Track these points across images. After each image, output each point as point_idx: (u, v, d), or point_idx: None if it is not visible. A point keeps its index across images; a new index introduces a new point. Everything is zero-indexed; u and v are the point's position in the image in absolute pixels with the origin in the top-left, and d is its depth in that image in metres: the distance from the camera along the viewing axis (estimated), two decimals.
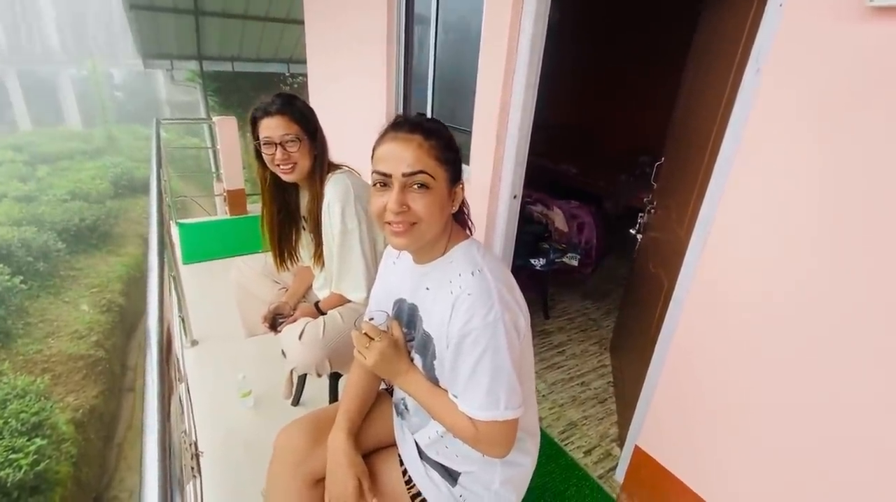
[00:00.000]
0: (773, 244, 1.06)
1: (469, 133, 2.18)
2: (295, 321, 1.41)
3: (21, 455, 4.53)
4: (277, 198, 1.42)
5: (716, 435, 1.25)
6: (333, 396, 1.55)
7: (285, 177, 1.32)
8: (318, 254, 1.41)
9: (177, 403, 0.89)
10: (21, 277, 7.32)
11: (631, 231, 1.99)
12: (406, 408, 0.95)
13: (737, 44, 1.26)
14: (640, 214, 1.97)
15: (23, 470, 4.42)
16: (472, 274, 0.75)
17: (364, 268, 1.33)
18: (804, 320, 1.02)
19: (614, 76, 4.34)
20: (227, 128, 3.99)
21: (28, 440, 4.66)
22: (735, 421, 1.20)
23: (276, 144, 1.25)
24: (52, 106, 23.83)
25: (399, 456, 0.98)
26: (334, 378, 1.51)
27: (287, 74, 8.91)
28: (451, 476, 0.91)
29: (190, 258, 3.07)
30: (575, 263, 2.68)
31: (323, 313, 1.44)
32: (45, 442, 4.70)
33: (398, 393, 0.99)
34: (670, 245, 1.55)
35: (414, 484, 0.93)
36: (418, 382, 0.84)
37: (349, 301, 1.41)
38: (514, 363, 0.74)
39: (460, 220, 0.87)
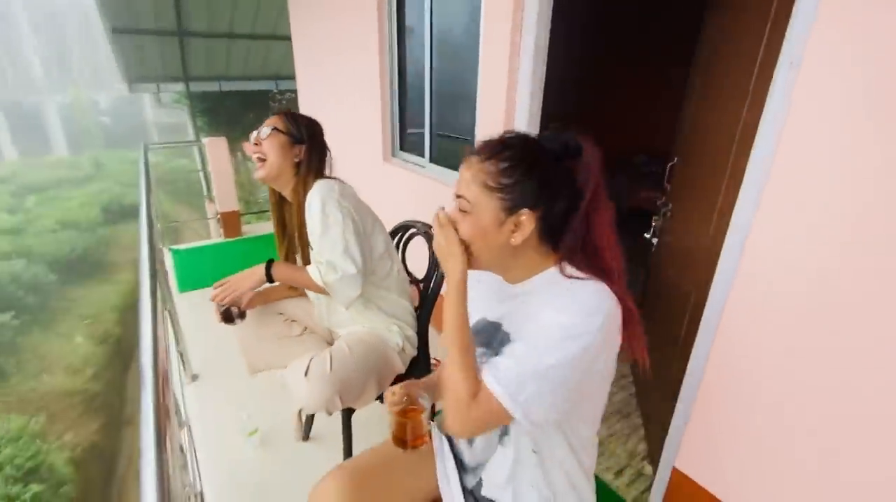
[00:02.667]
0: (823, 248, 0.98)
1: (471, 142, 2.11)
2: (246, 303, 1.33)
3: None
4: (278, 208, 1.40)
5: (763, 455, 1.16)
6: (347, 432, 1.44)
7: (256, 173, 1.30)
8: None
9: (178, 451, 0.79)
10: (12, 312, 7.15)
11: (646, 235, 1.90)
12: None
13: (758, 39, 1.20)
14: (653, 217, 1.88)
15: None
16: (593, 288, 0.70)
17: (343, 245, 1.19)
18: (863, 325, 0.94)
19: (607, 74, 4.29)
20: (217, 148, 3.89)
21: (24, 487, 4.46)
22: (785, 438, 1.11)
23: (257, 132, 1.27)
24: (37, 135, 23.69)
25: None
26: (347, 412, 1.41)
27: (275, 91, 8.83)
28: None
29: (186, 286, 2.96)
30: None
31: (271, 281, 1.29)
32: (42, 487, 4.51)
33: None
34: (697, 252, 1.47)
35: None
36: (458, 309, 0.73)
37: (308, 279, 1.25)
38: (573, 383, 0.68)
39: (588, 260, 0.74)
